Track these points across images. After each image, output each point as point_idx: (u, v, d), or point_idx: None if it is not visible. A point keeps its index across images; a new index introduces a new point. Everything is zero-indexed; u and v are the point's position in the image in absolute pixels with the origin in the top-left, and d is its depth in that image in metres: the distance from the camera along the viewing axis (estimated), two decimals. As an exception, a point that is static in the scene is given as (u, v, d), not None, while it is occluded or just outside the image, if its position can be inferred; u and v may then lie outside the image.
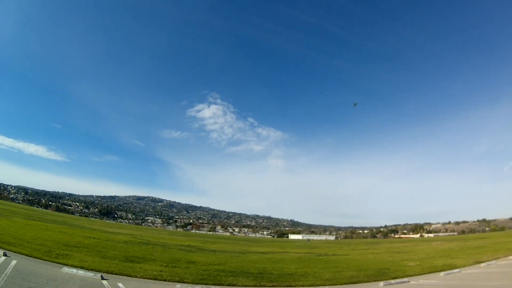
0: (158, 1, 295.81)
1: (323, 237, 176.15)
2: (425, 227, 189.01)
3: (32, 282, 10.91)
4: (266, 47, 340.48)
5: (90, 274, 13.29)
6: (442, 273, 19.19)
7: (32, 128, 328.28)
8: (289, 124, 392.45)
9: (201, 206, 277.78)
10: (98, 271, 14.10)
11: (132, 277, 14.42)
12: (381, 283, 15.85)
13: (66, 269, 13.34)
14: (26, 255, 15.45)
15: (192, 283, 14.26)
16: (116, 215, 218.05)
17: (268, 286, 14.83)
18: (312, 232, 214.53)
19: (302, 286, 15.18)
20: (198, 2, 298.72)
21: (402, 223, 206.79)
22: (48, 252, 17.13)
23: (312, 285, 15.30)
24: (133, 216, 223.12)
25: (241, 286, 14.64)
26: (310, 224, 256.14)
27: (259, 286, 14.78)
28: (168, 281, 14.56)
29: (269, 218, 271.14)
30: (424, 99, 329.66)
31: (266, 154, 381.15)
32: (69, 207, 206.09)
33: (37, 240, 21.29)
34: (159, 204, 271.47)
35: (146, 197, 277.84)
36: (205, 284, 14.39)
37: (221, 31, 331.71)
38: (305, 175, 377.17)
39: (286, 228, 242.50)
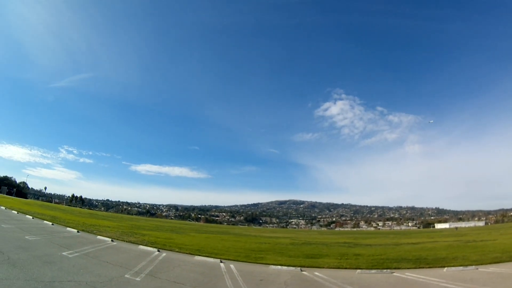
0: (266, 14, 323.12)
1: (471, 224, 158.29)
2: None
3: (258, 277, 15.50)
4: (380, 29, 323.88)
5: (291, 268, 17.57)
6: None
7: (174, 153, 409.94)
8: (420, 105, 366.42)
9: (342, 204, 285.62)
10: (294, 266, 18.27)
11: (320, 268, 18.18)
12: None
13: (272, 267, 17.96)
14: (233, 260, 20.85)
15: (367, 268, 17.77)
16: (261, 221, 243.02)
17: (426, 267, 18.04)
18: (460, 219, 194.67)
19: (454, 266, 17.97)
20: (300, 4, 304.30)
21: None
22: (247, 256, 22.67)
23: (462, 265, 18.00)
24: (277, 220, 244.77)
25: (405, 268, 17.85)
26: (456, 211, 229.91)
27: (419, 267, 18.12)
28: (349, 268, 18.27)
29: (412, 208, 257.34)
30: None
31: (402, 141, 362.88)
32: (216, 218, 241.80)
33: (230, 249, 27.51)
34: (301, 206, 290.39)
35: (288, 201, 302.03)
36: (377, 269, 17.74)
37: (330, 26, 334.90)
38: (446, 158, 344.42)
39: (431, 218, 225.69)
